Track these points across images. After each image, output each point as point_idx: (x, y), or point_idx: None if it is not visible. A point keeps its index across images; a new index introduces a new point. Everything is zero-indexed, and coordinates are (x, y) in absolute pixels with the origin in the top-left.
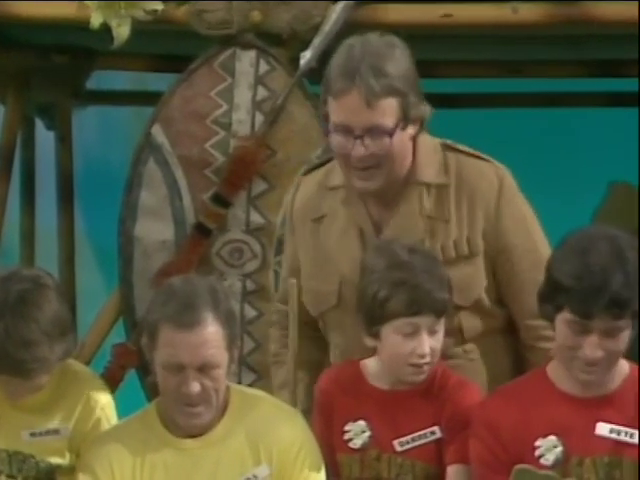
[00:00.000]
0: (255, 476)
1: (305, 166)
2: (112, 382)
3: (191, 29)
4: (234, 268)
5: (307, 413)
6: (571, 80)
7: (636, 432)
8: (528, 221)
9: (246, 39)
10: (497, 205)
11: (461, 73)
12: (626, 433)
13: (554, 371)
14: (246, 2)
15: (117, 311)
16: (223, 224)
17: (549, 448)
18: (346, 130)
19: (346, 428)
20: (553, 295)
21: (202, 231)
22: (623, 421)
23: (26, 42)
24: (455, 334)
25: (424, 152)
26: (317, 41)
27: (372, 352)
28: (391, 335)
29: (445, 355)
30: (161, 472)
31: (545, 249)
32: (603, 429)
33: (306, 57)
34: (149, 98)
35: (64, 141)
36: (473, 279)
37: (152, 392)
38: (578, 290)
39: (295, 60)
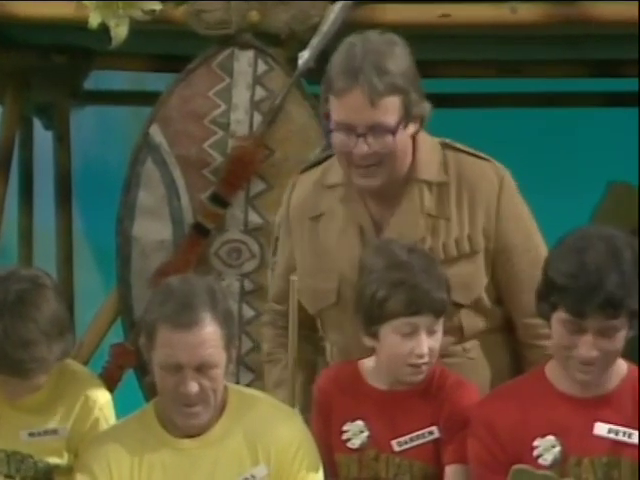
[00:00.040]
0: (253, 476)
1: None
2: (110, 382)
3: (189, 29)
4: (232, 268)
5: (303, 412)
6: (569, 80)
7: (634, 432)
8: (527, 221)
9: (244, 39)
10: (497, 204)
11: (459, 73)
12: (624, 433)
13: (552, 371)
14: (244, 2)
15: (115, 311)
16: (221, 224)
17: (547, 448)
18: (348, 128)
19: (344, 428)
20: (549, 294)
21: (200, 231)
22: (621, 421)
23: (25, 42)
24: (455, 332)
25: (424, 150)
26: (315, 41)
27: (370, 351)
28: (390, 335)
29: (444, 353)
30: (159, 472)
31: (543, 249)
32: (601, 429)
33: (304, 57)
34: (147, 98)
35: (62, 141)
36: (474, 277)
37: (150, 392)
38: (573, 289)
39: (293, 60)
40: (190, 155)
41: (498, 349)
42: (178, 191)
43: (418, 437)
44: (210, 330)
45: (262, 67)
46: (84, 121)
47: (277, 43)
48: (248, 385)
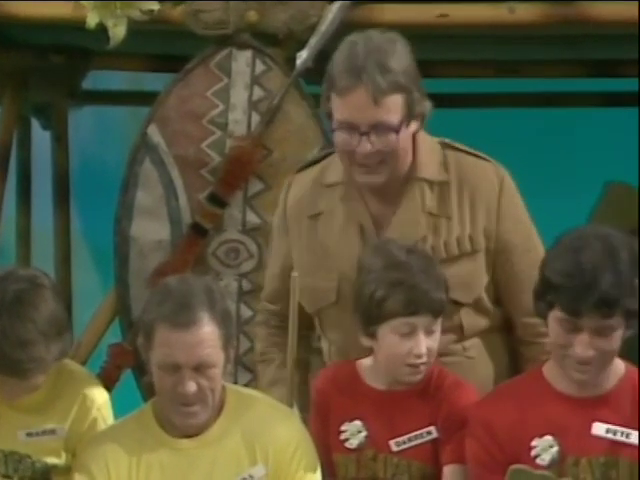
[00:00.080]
0: (251, 476)
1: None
2: (108, 382)
3: (187, 29)
4: (230, 268)
5: (301, 411)
6: (567, 80)
7: (632, 432)
8: (526, 221)
9: (242, 39)
10: (498, 205)
11: (458, 73)
12: (622, 433)
13: (550, 371)
14: (242, 2)
15: (113, 311)
16: (219, 224)
17: (545, 448)
18: (351, 127)
19: (342, 428)
20: (545, 293)
21: (198, 231)
22: (619, 421)
23: (23, 42)
24: (455, 331)
25: (424, 149)
26: (313, 41)
27: (369, 350)
28: (388, 335)
29: (444, 352)
30: (157, 472)
31: (541, 249)
32: (599, 429)
33: (302, 57)
34: (145, 98)
35: (60, 141)
36: (475, 276)
37: (148, 392)
38: (568, 288)
39: (291, 60)
40: (188, 155)
41: (497, 349)
42: (176, 191)
43: (416, 437)
44: (208, 330)
45: (260, 67)
46: (82, 121)
47: (275, 43)
48: (246, 385)
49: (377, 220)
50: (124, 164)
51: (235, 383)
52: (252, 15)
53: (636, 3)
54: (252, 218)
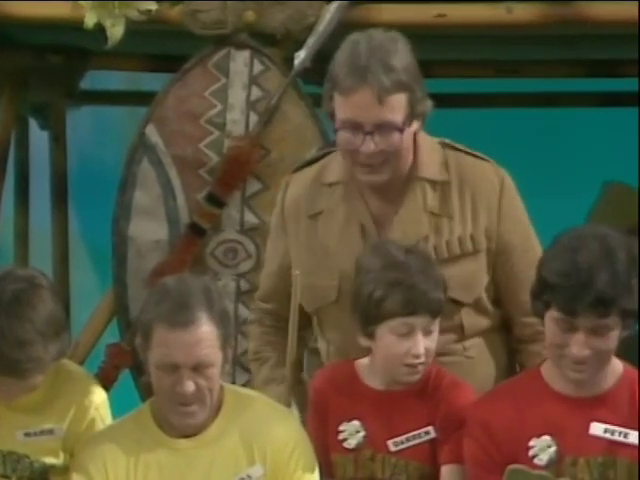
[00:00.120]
0: (249, 476)
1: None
2: (106, 382)
3: (185, 29)
4: (228, 268)
5: (301, 411)
6: (566, 80)
7: (630, 432)
8: (526, 222)
9: (240, 39)
10: (499, 205)
11: (456, 73)
12: (620, 433)
13: (548, 371)
14: (240, 2)
15: (111, 311)
16: (217, 224)
17: (543, 448)
18: (355, 127)
19: (340, 428)
20: (542, 292)
21: (196, 231)
22: (617, 421)
23: (21, 42)
24: (456, 331)
25: (425, 149)
26: (311, 41)
27: (367, 349)
28: (386, 335)
29: (444, 352)
30: (155, 472)
31: (539, 249)
32: (597, 429)
33: (300, 57)
34: (143, 98)
35: (58, 141)
36: (476, 276)
37: (146, 392)
38: (564, 287)
39: (289, 60)
40: (186, 155)
41: (497, 349)
42: (174, 191)
43: (414, 437)
44: (206, 330)
45: (258, 67)
46: (80, 121)
47: (273, 43)
48: (244, 385)
49: (378, 219)
50: (122, 164)
51: (233, 383)
52: (250, 15)
53: (634, 3)
54: (250, 218)
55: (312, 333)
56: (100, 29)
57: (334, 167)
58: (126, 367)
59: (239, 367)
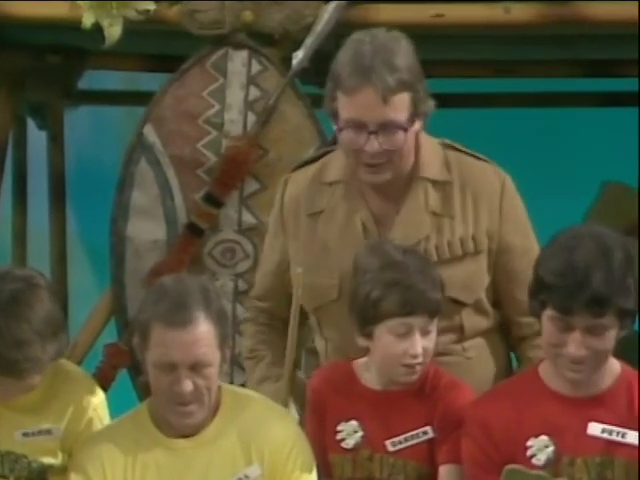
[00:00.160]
0: (247, 476)
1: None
2: (104, 382)
3: (183, 29)
4: (226, 268)
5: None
6: (564, 80)
7: (628, 432)
8: (526, 222)
9: (238, 39)
10: (500, 206)
11: (453, 73)
12: (618, 433)
13: (546, 371)
14: (238, 2)
15: (109, 311)
16: (215, 224)
17: (541, 448)
18: (359, 126)
19: (338, 428)
20: (538, 292)
21: (194, 231)
22: (615, 421)
23: (19, 42)
24: (456, 331)
25: (426, 149)
26: (309, 41)
27: (366, 348)
28: (384, 335)
29: (443, 352)
30: (153, 472)
31: (538, 248)
32: (595, 429)
33: (298, 57)
34: (141, 98)
35: (56, 141)
36: (477, 276)
37: (144, 392)
38: (560, 287)
39: (287, 60)
40: (184, 155)
41: (495, 350)
42: (172, 191)
43: (412, 437)
44: (204, 329)
45: (256, 67)
46: (78, 121)
47: (271, 43)
48: (242, 385)
49: (379, 219)
50: (120, 164)
51: (231, 383)
52: (248, 15)
53: (632, 3)
54: (248, 218)
55: (309, 333)
56: (98, 29)
57: (334, 166)
58: (124, 367)
59: (237, 367)
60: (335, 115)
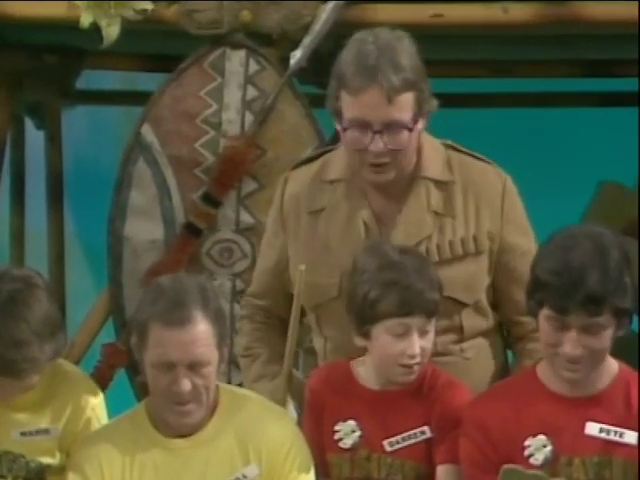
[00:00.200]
0: (244, 476)
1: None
2: (102, 382)
3: (181, 29)
4: (224, 268)
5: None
6: (562, 80)
7: (625, 432)
8: (527, 224)
9: (236, 39)
10: (502, 207)
11: (451, 73)
12: (615, 432)
13: (544, 371)
14: (236, 2)
15: (107, 311)
16: (213, 224)
17: (538, 448)
18: (363, 126)
19: (336, 428)
20: (534, 291)
21: (192, 231)
22: (612, 421)
23: (17, 42)
24: (455, 331)
25: (428, 149)
26: (307, 41)
27: (365, 347)
28: (382, 335)
29: (442, 352)
30: (150, 472)
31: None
32: (593, 429)
33: (296, 57)
34: (139, 98)
35: (54, 141)
36: (477, 277)
37: (142, 392)
38: (555, 286)
39: (285, 60)
40: (182, 155)
41: (493, 351)
42: (170, 191)
43: (410, 437)
44: (202, 328)
45: (254, 67)
46: (76, 121)
47: (269, 43)
48: (239, 385)
49: (381, 218)
50: (118, 164)
51: (229, 383)
52: (246, 15)
53: (630, 3)
54: (246, 218)
55: (307, 332)
56: (96, 29)
57: (336, 164)
58: (122, 367)
59: (234, 367)
60: (339, 114)
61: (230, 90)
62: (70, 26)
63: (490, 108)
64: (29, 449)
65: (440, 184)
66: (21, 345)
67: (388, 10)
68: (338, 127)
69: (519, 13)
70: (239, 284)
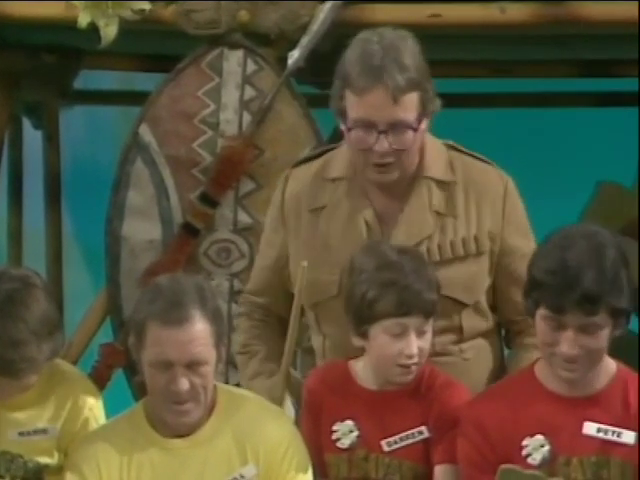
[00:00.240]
0: (242, 476)
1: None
2: (99, 382)
3: (179, 29)
4: (221, 268)
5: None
6: (560, 80)
7: (623, 431)
8: (527, 225)
9: (234, 39)
10: (503, 208)
11: (449, 73)
12: (613, 432)
13: (542, 371)
14: (234, 2)
15: (104, 311)
16: (210, 224)
17: (536, 447)
18: (368, 126)
19: (334, 428)
20: (531, 291)
21: (189, 231)
22: (610, 420)
23: (15, 42)
24: (455, 332)
25: (431, 149)
26: (305, 41)
27: (362, 347)
28: (379, 335)
29: (441, 352)
30: (148, 472)
31: None
32: (590, 428)
33: (294, 57)
34: (136, 98)
35: (51, 140)
36: (478, 278)
37: (139, 391)
38: (551, 285)
39: (283, 60)
40: (179, 155)
41: (492, 353)
42: (167, 191)
43: (408, 437)
44: (200, 327)
45: (251, 67)
46: (73, 121)
47: (267, 43)
48: (237, 385)
49: (382, 217)
50: (115, 164)
51: (226, 382)
52: (243, 15)
53: (627, 3)
54: (243, 218)
55: (305, 332)
56: (93, 29)
57: (337, 163)
58: (119, 367)
59: (232, 366)
60: (343, 114)
61: (228, 90)
62: (68, 26)
63: (489, 108)
64: (27, 449)
65: (442, 184)
66: (19, 345)
67: (386, 10)
68: (342, 127)
69: (516, 13)
70: (237, 284)
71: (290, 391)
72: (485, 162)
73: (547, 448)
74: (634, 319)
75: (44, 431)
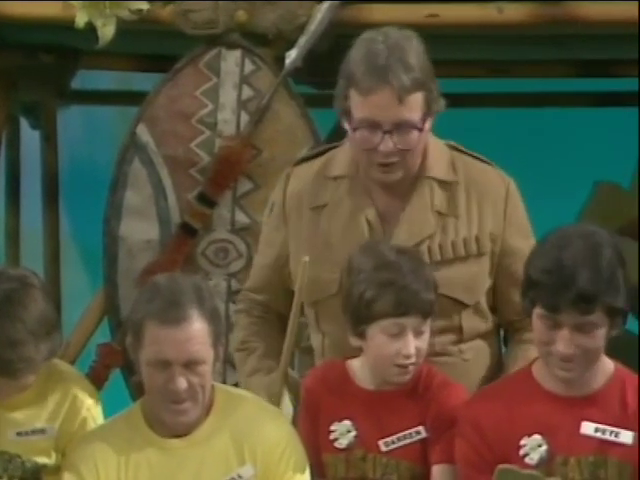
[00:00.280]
0: (240, 476)
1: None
2: (97, 382)
3: (176, 29)
4: (219, 268)
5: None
6: (557, 80)
7: (621, 431)
8: (528, 226)
9: (231, 39)
10: (505, 209)
11: (447, 73)
12: (611, 432)
13: (539, 370)
14: (232, 2)
15: (102, 311)
16: (208, 224)
17: (534, 447)
18: (373, 126)
19: (332, 428)
20: (528, 290)
21: (187, 231)
22: (608, 420)
23: (12, 41)
24: (455, 332)
25: (433, 149)
26: (302, 41)
27: (360, 347)
28: (377, 335)
29: (441, 352)
30: (145, 471)
31: None
32: (588, 428)
33: (291, 57)
34: (134, 98)
35: (49, 140)
36: (479, 278)
37: (137, 391)
38: (547, 285)
39: (280, 60)
40: (177, 155)
41: (491, 354)
42: (165, 191)
43: (405, 437)
44: (198, 327)
45: (249, 67)
46: (71, 121)
47: (264, 43)
48: (235, 385)
49: (384, 216)
50: (113, 164)
51: (224, 382)
52: (241, 15)
53: (625, 3)
54: (241, 218)
55: (304, 331)
56: (91, 29)
57: (339, 161)
58: (117, 367)
59: (230, 366)
60: (347, 114)
61: (225, 90)
62: (65, 26)
63: (487, 108)
64: (25, 449)
65: (444, 184)
66: (17, 345)
67: (383, 10)
68: (347, 126)
69: (514, 13)
70: (234, 284)
71: (288, 388)
72: (486, 163)
73: (544, 448)
74: (633, 320)
75: (42, 431)
